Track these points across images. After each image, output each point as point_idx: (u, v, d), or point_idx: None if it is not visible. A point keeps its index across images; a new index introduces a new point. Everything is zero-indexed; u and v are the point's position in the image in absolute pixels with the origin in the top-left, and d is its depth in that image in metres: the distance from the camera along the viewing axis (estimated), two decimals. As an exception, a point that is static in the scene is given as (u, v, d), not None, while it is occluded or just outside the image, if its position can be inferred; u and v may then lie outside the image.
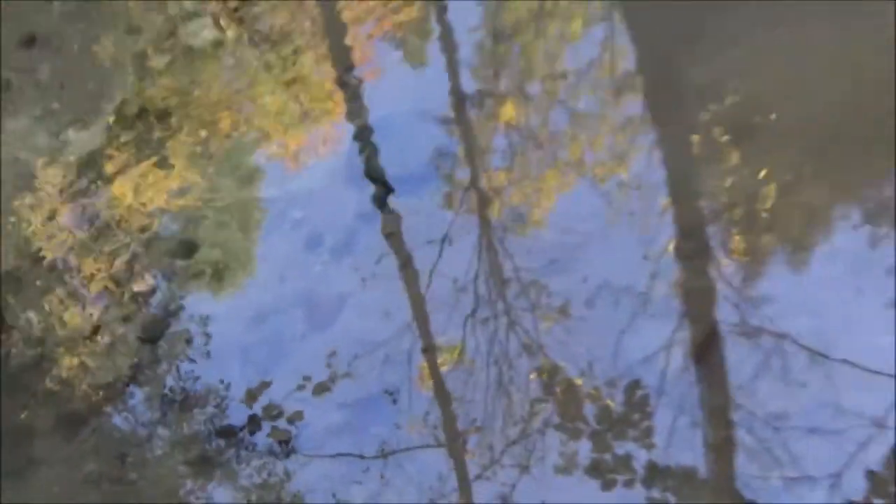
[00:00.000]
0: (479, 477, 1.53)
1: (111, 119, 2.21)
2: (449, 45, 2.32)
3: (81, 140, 2.16)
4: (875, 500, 1.38)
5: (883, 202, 1.72)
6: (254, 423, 1.67)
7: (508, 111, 2.06)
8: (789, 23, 2.06)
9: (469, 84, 2.15)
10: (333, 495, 1.57)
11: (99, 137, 2.16)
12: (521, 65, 2.24)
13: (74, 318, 1.91)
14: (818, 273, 1.68)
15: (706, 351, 1.64)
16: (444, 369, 1.71)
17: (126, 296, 1.91)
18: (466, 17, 2.35)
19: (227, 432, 1.67)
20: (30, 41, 2.36)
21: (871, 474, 1.42)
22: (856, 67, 1.97)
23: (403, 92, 2.22)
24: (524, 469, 1.51)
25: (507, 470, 1.52)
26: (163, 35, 2.29)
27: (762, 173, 1.87)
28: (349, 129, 2.15)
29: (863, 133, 1.90)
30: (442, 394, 1.71)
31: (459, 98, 2.14)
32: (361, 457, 1.60)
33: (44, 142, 2.19)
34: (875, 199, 1.73)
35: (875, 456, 1.41)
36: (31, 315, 1.92)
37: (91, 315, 1.88)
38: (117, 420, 1.75)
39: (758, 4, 2.12)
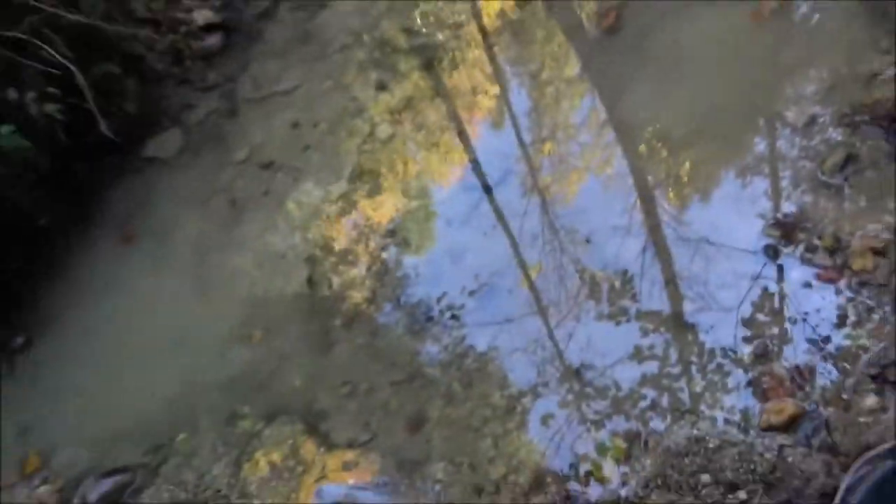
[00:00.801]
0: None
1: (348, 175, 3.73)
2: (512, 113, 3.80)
3: (338, 189, 3.69)
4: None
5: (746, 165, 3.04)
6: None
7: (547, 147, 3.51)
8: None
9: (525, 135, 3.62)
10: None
11: (345, 187, 3.69)
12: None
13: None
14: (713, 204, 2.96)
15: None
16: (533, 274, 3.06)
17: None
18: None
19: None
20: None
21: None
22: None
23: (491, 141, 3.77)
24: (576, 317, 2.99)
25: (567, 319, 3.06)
26: (368, 133, 3.89)
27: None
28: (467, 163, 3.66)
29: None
30: (534, 287, 3.02)
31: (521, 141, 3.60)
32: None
33: (320, 191, 3.68)
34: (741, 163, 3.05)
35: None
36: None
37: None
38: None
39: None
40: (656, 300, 2.68)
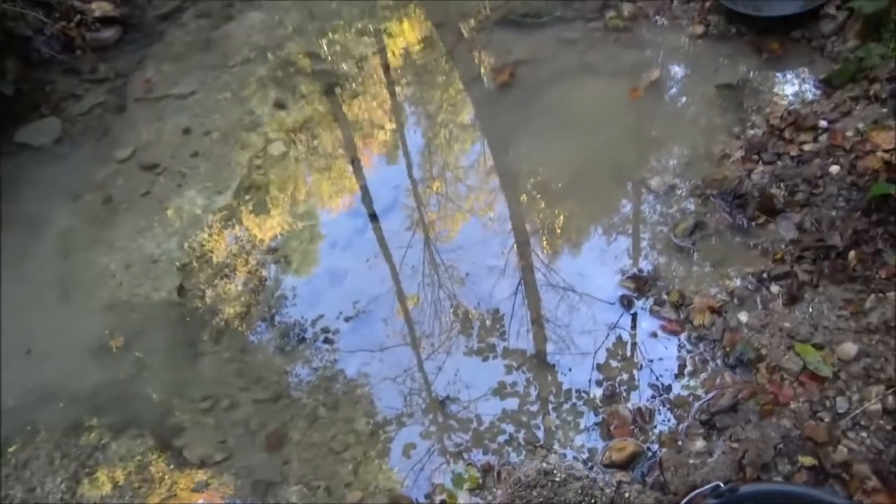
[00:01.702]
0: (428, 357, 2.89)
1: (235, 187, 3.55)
2: (405, 149, 3.84)
3: (223, 199, 3.48)
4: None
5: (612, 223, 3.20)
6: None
7: (435, 185, 3.53)
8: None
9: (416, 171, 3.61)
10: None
11: (230, 199, 3.51)
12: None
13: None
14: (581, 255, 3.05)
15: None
16: (410, 305, 3.03)
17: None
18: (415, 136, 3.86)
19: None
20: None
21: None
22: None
23: (382, 171, 3.74)
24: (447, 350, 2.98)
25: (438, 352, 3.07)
26: (260, 149, 3.74)
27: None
28: (357, 190, 3.59)
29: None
30: (408, 317, 3.00)
31: (411, 177, 3.59)
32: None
33: (203, 199, 3.47)
34: (607, 220, 3.23)
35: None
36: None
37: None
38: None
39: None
40: (522, 340, 2.75)
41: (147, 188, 3.56)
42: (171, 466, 2.57)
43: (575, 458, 2.33)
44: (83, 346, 2.99)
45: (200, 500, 2.51)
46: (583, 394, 2.53)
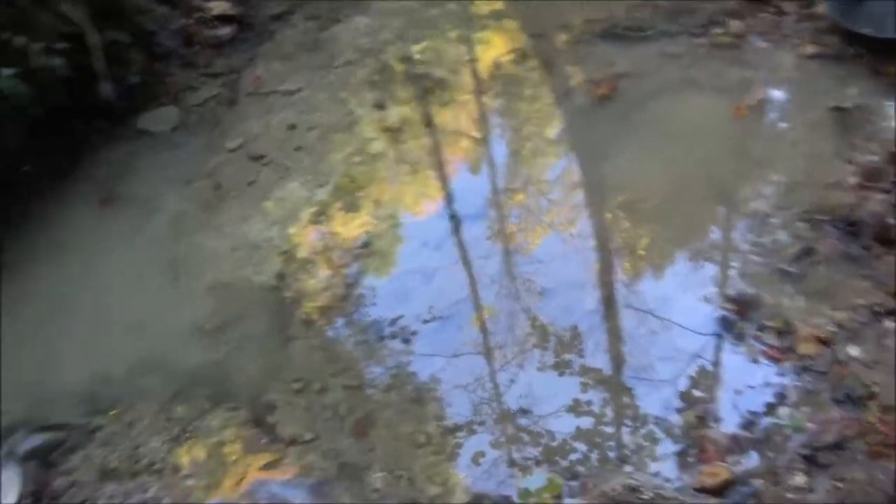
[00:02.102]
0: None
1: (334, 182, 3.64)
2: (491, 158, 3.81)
3: (322, 193, 3.58)
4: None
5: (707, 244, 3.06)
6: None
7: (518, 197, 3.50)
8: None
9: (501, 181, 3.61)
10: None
11: (329, 193, 3.61)
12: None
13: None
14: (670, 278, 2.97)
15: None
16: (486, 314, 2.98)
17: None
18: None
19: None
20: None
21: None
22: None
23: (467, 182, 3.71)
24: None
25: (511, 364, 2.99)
26: (359, 147, 3.84)
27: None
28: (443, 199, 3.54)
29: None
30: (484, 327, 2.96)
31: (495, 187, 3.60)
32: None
33: (305, 191, 3.58)
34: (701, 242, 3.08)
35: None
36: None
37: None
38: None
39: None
40: (600, 359, 2.68)
41: (253, 177, 3.69)
42: (263, 441, 2.64)
43: (663, 477, 2.25)
44: (187, 323, 3.11)
45: (287, 476, 2.56)
46: (667, 415, 2.44)
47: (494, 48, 4.38)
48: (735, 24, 3.87)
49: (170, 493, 2.51)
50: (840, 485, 2.00)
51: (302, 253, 3.34)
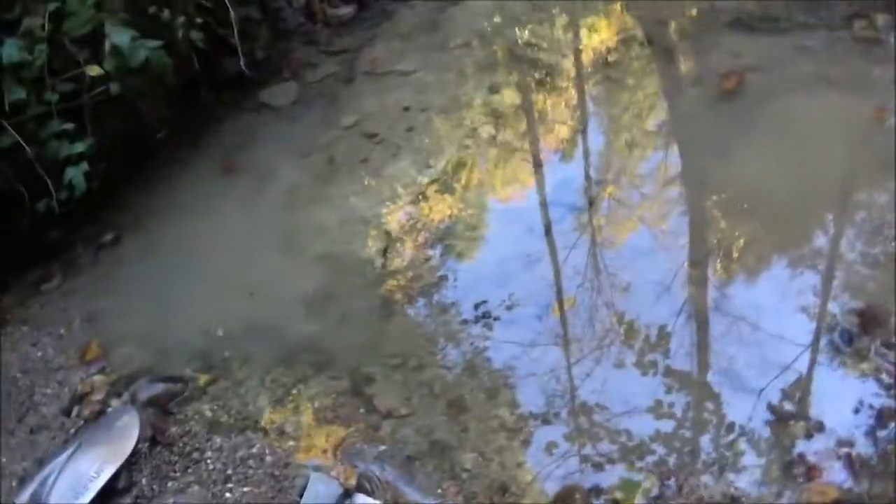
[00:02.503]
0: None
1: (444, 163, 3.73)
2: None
3: (432, 173, 3.65)
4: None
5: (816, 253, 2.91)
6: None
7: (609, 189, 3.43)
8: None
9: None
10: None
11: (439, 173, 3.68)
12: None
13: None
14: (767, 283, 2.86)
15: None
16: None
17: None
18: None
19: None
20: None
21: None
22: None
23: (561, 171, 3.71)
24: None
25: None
26: (471, 130, 3.96)
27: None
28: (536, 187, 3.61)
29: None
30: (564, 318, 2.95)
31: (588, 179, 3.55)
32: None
33: (414, 171, 3.70)
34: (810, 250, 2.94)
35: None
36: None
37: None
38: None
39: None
40: (686, 362, 2.59)
41: (366, 155, 3.81)
42: (361, 411, 2.75)
43: (766, 489, 2.17)
44: (295, 291, 3.26)
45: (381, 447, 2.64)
46: (754, 423, 2.34)
47: (612, 34, 4.29)
48: (882, 17, 3.59)
49: (272, 450, 2.67)
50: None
51: (407, 231, 3.42)
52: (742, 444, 2.33)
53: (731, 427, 2.38)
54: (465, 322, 2.98)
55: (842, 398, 2.34)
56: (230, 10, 3.49)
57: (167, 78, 3.40)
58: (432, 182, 3.59)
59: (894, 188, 2.90)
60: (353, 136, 3.94)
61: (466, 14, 4.62)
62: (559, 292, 2.99)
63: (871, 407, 2.29)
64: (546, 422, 2.57)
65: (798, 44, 3.62)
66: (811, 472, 2.16)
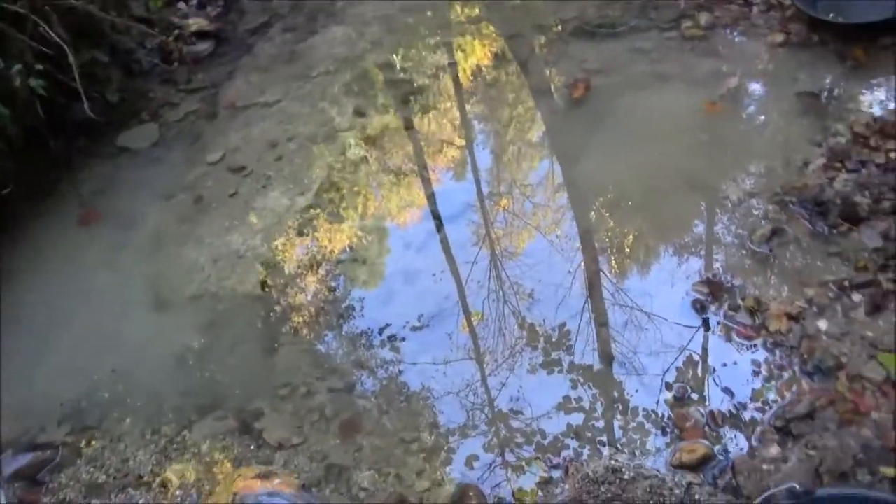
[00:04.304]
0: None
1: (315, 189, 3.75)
2: (474, 163, 3.91)
3: (304, 200, 3.67)
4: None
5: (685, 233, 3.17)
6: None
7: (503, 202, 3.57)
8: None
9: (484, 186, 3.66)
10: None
11: (311, 200, 3.71)
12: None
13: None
14: (652, 269, 3.06)
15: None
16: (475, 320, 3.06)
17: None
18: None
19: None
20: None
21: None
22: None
23: (451, 188, 3.83)
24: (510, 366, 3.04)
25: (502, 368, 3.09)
26: (340, 154, 3.96)
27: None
28: (427, 207, 3.61)
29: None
30: (474, 332, 3.00)
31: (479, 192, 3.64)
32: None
33: (287, 200, 3.67)
34: (680, 231, 3.23)
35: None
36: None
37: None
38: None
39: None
40: (588, 356, 2.74)
41: (234, 189, 3.77)
42: (251, 447, 2.70)
43: (642, 455, 2.32)
44: (170, 335, 3.16)
45: (272, 483, 2.61)
46: (653, 404, 2.49)
47: (472, 53, 4.49)
48: (704, 17, 3.98)
49: (158, 504, 2.57)
50: (812, 452, 2.07)
51: (286, 261, 3.42)
52: (633, 423, 2.48)
53: (630, 409, 2.52)
54: (370, 347, 3.00)
55: (709, 362, 2.54)
56: (69, 54, 3.36)
57: (6, 129, 3.24)
58: (308, 208, 3.61)
59: (729, 166, 3.20)
60: (220, 171, 3.89)
61: (326, 43, 4.70)
62: (466, 308, 3.06)
63: (728, 364, 2.50)
64: (463, 434, 2.61)
65: (634, 46, 3.95)
66: (682, 433, 2.33)
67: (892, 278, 2.44)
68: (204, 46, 4.73)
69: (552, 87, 4.00)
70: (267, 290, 3.29)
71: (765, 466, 2.11)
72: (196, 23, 4.80)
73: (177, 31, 4.66)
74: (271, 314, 3.20)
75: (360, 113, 4.11)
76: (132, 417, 2.90)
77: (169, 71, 4.58)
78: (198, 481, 2.65)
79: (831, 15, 3.51)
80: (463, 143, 3.92)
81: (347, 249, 3.42)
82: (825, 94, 3.33)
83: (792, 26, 3.68)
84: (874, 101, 3.19)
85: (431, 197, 3.66)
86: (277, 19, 4.97)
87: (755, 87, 3.58)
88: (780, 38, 3.71)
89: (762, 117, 3.44)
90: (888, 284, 2.42)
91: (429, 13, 4.82)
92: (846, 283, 2.49)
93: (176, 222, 3.68)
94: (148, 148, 4.13)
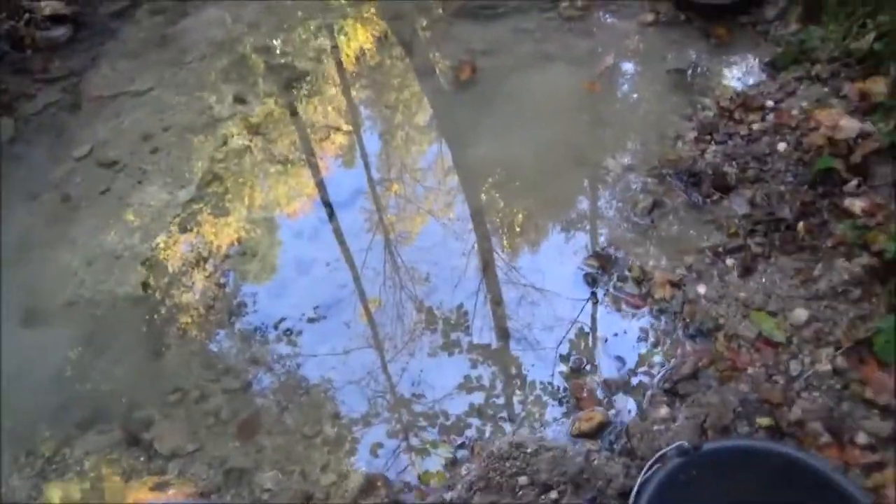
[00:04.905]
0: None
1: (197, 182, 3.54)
2: (363, 149, 3.84)
3: (185, 194, 3.46)
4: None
5: (572, 208, 3.27)
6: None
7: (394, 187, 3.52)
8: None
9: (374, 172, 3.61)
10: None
11: (192, 193, 3.51)
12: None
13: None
14: (543, 246, 3.11)
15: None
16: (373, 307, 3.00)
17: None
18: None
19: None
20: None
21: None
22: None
23: (340, 176, 3.74)
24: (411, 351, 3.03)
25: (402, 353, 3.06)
26: (221, 144, 3.74)
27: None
28: (316, 195, 3.50)
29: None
30: (372, 319, 2.96)
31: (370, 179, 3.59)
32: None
33: (166, 195, 3.48)
34: (568, 207, 3.32)
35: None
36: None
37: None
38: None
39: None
40: (486, 335, 2.76)
41: (106, 185, 3.50)
42: (142, 458, 2.53)
43: (544, 428, 2.37)
44: (44, 346, 2.92)
45: (168, 495, 2.48)
46: (549, 377, 2.56)
47: (355, 35, 4.38)
48: (580, -2, 4.08)
49: (38, 530, 2.37)
50: (698, 410, 2.20)
51: (170, 259, 3.22)
52: (532, 398, 2.53)
53: (528, 384, 2.57)
54: (265, 342, 2.88)
55: (601, 332, 2.63)
56: None
57: None
58: (190, 203, 3.41)
59: (609, 142, 3.32)
60: (89, 167, 3.60)
61: (200, 26, 4.44)
62: (363, 295, 3.00)
63: (619, 334, 2.60)
64: (366, 423, 2.57)
65: (516, 26, 3.99)
66: (580, 402, 2.41)
67: (759, 242, 2.61)
68: (60, 31, 4.33)
69: (438, 70, 3.98)
70: (149, 291, 3.09)
71: (656, 427, 2.21)
72: (49, 5, 4.39)
73: (27, 16, 4.25)
74: (156, 316, 3.01)
75: (240, 100, 3.91)
76: (3, 441, 2.65)
77: (22, 59, 4.17)
78: (83, 500, 2.46)
79: (695, -5, 3.70)
80: (350, 128, 3.83)
81: (235, 243, 3.27)
82: (692, 70, 3.51)
83: (660, 6, 3.85)
84: (735, 76, 3.40)
85: (321, 185, 3.55)
86: (143, 1, 4.63)
87: (629, 66, 3.72)
88: (650, 17, 3.86)
89: (638, 93, 3.58)
90: (756, 248, 2.60)
91: (308, -6, 4.66)
92: (720, 249, 2.65)
93: (43, 224, 3.37)
94: (5, 144, 3.75)
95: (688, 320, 2.50)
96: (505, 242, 3.11)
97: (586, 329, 2.66)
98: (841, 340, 2.26)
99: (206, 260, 3.21)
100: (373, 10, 4.51)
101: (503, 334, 2.77)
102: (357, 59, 4.20)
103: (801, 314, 2.34)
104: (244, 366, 2.82)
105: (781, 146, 2.89)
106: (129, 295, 3.06)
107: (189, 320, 3.00)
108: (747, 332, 2.37)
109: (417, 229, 3.28)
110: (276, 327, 2.94)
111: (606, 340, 2.56)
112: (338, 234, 3.29)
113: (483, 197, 3.31)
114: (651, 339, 2.52)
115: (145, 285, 3.10)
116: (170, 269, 3.16)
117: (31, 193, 3.52)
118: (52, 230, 3.34)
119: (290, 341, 2.89)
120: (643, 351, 2.49)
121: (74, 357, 2.88)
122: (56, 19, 4.35)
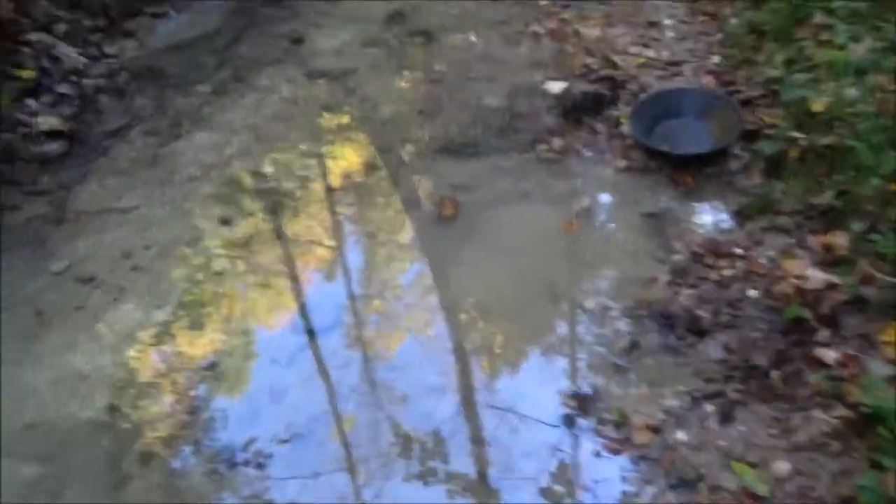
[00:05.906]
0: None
1: (175, 303, 3.54)
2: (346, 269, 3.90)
3: (162, 314, 3.41)
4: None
5: (551, 344, 3.40)
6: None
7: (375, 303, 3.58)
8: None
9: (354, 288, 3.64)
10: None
11: (169, 314, 3.51)
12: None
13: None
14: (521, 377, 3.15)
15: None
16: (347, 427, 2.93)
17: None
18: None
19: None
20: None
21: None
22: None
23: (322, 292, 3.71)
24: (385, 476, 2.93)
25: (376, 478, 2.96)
26: (202, 264, 3.78)
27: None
28: (296, 312, 3.51)
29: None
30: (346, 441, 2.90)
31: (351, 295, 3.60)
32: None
33: (141, 314, 3.45)
34: (547, 341, 3.42)
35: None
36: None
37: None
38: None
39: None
40: (464, 463, 2.68)
41: (81, 302, 3.42)
42: None
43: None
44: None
45: None
46: None
47: (343, 161, 4.51)
48: (557, 142, 4.29)
49: None
50: (682, 570, 2.10)
51: (140, 378, 3.10)
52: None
53: None
54: (233, 466, 2.74)
55: (582, 477, 2.55)
56: None
57: None
58: (166, 323, 3.33)
59: (585, 278, 3.38)
60: (65, 282, 3.53)
61: (192, 148, 4.53)
62: (337, 414, 2.92)
63: (599, 481, 2.52)
64: None
65: (496, 165, 4.15)
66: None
67: (737, 389, 2.62)
68: (54, 146, 4.39)
69: (423, 199, 4.09)
70: (115, 414, 2.95)
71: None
72: (47, 121, 4.47)
73: (24, 130, 4.31)
74: (120, 442, 2.85)
75: (225, 221, 3.94)
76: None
77: (13, 171, 4.18)
78: None
79: (664, 147, 3.93)
80: (333, 248, 3.85)
81: (208, 365, 3.17)
82: (665, 214, 3.65)
83: (632, 153, 4.06)
84: (705, 222, 3.54)
85: (301, 302, 3.52)
86: (139, 122, 4.74)
87: (605, 208, 3.86)
88: (623, 163, 4.06)
89: (612, 234, 3.69)
90: (734, 395, 2.60)
91: (298, 121, 4.83)
92: (698, 394, 2.64)
93: (12, 340, 3.25)
94: (-18, 257, 3.68)
95: (668, 468, 2.44)
96: (484, 364, 3.07)
97: (565, 473, 2.57)
98: (825, 497, 2.21)
99: (175, 382, 3.10)
100: (362, 138, 4.68)
101: (482, 462, 2.68)
102: (344, 182, 4.30)
103: (782, 467, 2.31)
104: (209, 492, 2.66)
105: (752, 293, 2.97)
106: (92, 419, 2.92)
107: (158, 445, 2.85)
108: (730, 483, 2.32)
109: (396, 347, 3.24)
110: (244, 449, 2.81)
111: (586, 488, 2.48)
112: (315, 351, 3.22)
113: (463, 318, 3.30)
114: (631, 488, 2.44)
115: (111, 408, 2.96)
116: (137, 393, 3.03)
117: (4, 306, 3.41)
118: (20, 346, 3.22)
119: (257, 465, 2.76)
120: (625, 502, 2.41)
121: (25, 486, 2.69)
122: (52, 134, 4.41)
